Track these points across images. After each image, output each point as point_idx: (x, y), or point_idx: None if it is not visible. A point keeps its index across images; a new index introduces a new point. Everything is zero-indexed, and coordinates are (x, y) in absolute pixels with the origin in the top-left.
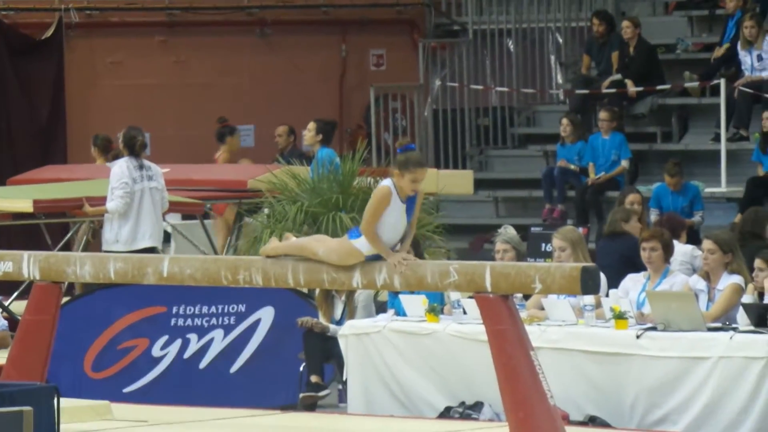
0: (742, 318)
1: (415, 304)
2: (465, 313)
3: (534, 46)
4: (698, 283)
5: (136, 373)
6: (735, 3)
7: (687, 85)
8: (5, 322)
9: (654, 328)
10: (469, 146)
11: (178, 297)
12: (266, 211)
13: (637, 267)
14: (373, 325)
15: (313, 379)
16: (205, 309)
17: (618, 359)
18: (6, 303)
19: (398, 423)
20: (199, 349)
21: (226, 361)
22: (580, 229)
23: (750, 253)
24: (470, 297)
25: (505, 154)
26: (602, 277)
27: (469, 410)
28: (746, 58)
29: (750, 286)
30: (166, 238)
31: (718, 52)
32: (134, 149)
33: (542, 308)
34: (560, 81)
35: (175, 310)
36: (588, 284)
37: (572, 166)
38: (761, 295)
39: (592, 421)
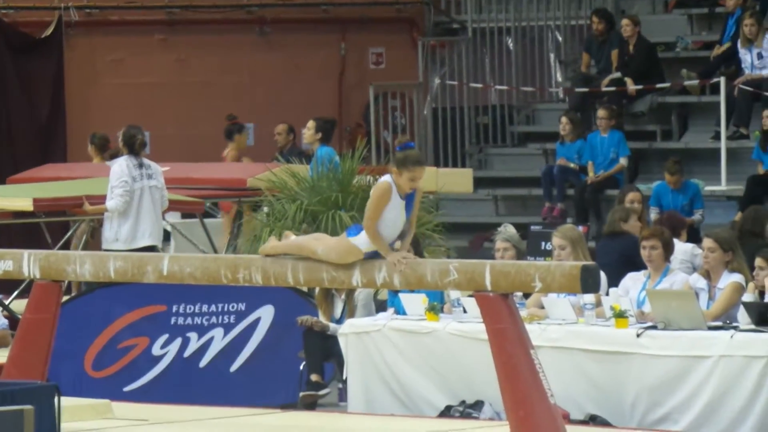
0: (742, 317)
1: (415, 302)
2: (465, 311)
3: (533, 44)
4: (698, 281)
5: (137, 372)
6: (735, 1)
7: (686, 83)
8: (5, 321)
9: (654, 327)
10: (469, 144)
11: (178, 296)
12: (266, 209)
13: (637, 266)
14: (373, 323)
15: (313, 377)
16: (205, 308)
17: (618, 358)
18: (6, 302)
19: (398, 422)
20: (199, 348)
21: (226, 359)
22: (580, 228)
23: (750, 251)
24: (470, 296)
25: (505, 152)
26: (602, 275)
27: (470, 409)
28: (746, 56)
29: (750, 284)
30: (166, 236)
31: (718, 50)
32: (134, 148)
33: (542, 307)
34: (560, 79)
35: (175, 308)
36: (588, 283)
37: (572, 165)
38: (762, 293)
39: (593, 420)
